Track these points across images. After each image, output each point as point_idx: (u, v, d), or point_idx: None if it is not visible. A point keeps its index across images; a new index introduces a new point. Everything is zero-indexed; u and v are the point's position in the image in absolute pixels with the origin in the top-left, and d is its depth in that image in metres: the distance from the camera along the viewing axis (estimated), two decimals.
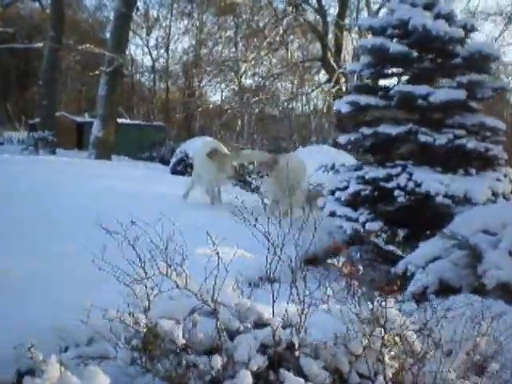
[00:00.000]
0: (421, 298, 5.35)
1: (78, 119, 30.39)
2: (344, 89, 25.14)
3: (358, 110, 7.70)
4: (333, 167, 8.55)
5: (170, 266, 3.11)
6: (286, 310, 3.28)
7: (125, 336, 3.10)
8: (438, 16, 7.28)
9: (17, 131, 35.24)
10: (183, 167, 17.70)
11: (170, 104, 39.80)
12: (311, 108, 36.42)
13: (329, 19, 28.13)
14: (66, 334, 3.60)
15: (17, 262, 4.64)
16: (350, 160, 11.76)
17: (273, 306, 3.31)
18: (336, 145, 22.48)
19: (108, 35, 40.77)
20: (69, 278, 4.41)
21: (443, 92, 6.95)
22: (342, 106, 7.75)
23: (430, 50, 7.56)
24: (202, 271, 3.19)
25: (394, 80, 8.31)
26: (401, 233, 7.29)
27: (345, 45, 27.95)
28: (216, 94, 45.46)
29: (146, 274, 3.21)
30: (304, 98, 36.15)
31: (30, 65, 44.31)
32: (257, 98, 32.85)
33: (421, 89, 6.99)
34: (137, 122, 32.98)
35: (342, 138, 7.98)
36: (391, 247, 8.05)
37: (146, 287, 3.25)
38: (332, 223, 7.24)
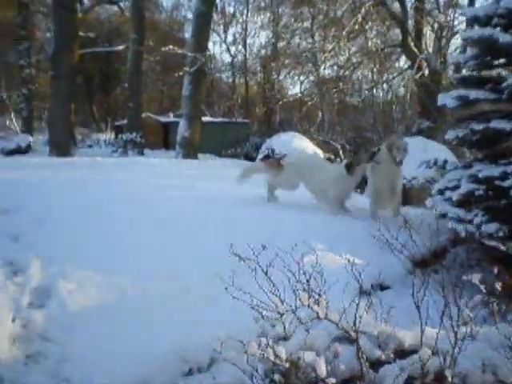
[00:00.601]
0: None
1: (163, 119, 30.86)
2: (426, 74, 24.43)
3: (466, 105, 7.32)
4: (435, 163, 8.17)
5: (310, 297, 2.96)
6: (436, 338, 3.06)
7: (263, 368, 2.98)
8: None
9: (103, 133, 36.31)
10: None
11: (249, 99, 39.89)
12: (393, 96, 35.68)
13: (408, 3, 27.40)
14: (188, 356, 3.51)
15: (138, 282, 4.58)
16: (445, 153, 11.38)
17: (421, 336, 3.09)
18: (420, 133, 22.02)
19: (187, 35, 41.49)
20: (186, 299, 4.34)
21: None
22: (448, 100, 7.38)
23: None
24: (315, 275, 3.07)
25: (501, 72, 7.83)
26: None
27: (425, 29, 27.16)
28: (295, 87, 45.44)
29: (282, 302, 3.09)
30: (385, 85, 35.47)
31: (112, 68, 45.56)
32: (337, 89, 32.39)
33: None
34: (219, 119, 33.18)
35: (450, 134, 7.61)
36: (499, 245, 7.67)
37: (282, 315, 3.13)
38: (435, 222, 6.96)
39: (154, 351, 3.44)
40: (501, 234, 6.57)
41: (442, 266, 5.83)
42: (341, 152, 21.74)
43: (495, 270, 4.53)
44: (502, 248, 7.60)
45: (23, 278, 4.47)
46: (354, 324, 2.98)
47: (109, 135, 34.21)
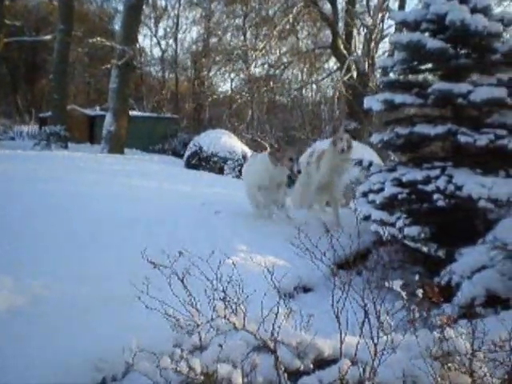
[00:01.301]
0: (468, 310, 5.06)
1: (89, 112, 30.12)
2: (355, 76, 24.81)
3: (391, 108, 7.40)
4: (360, 164, 8.21)
5: (226, 307, 2.84)
6: (356, 348, 2.98)
7: (178, 380, 2.84)
8: (474, 10, 6.90)
9: (27, 125, 35.12)
10: (197, 161, 17.53)
11: (179, 95, 39.56)
12: (322, 97, 36.09)
13: (339, 6, 27.75)
14: (102, 364, 3.35)
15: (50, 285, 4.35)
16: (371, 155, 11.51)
17: (341, 346, 3.01)
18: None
19: (116, 26, 40.73)
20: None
21: (484, 90, 6.59)
22: (374, 103, 7.42)
23: (466, 45, 7.21)
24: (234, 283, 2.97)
25: (427, 76, 7.97)
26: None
27: (355, 32, 27.57)
28: (226, 84, 45.36)
29: (198, 312, 2.95)
30: (314, 86, 35.84)
31: (38, 58, 44.20)
32: (267, 87, 32.49)
33: (461, 87, 6.64)
34: (148, 114, 32.74)
35: (375, 137, 7.66)
36: (421, 247, 7.80)
37: (198, 326, 2.99)
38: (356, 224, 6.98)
39: (66, 359, 3.26)
40: (423, 236, 6.66)
41: (365, 268, 5.86)
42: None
43: (417, 274, 4.56)
44: (424, 250, 7.74)
45: None
46: (272, 334, 2.87)
47: (32, 127, 33.12)
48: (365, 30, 28.04)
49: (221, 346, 2.70)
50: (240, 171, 15.57)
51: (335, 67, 29.82)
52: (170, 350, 2.90)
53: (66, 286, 4.35)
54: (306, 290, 6.21)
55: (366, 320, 3.00)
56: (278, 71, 31.92)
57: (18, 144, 25.26)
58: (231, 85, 39.65)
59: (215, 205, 8.07)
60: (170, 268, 3.07)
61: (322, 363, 3.09)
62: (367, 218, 7.01)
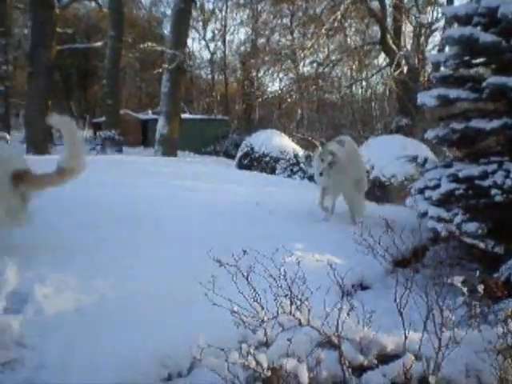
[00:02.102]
0: None
1: (142, 116, 30.67)
2: (405, 71, 24.55)
3: (445, 104, 7.34)
4: (415, 160, 8.15)
5: (292, 303, 2.91)
6: (420, 343, 3.01)
7: (244, 375, 2.92)
8: None
9: (81, 130, 35.97)
10: (249, 161, 17.61)
11: (229, 96, 39.82)
12: (372, 93, 35.83)
13: (387, 1, 27.49)
14: (167, 361, 3.44)
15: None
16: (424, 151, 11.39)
17: (404, 341, 3.04)
18: (398, 130, 22.10)
19: (165, 31, 41.28)
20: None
21: None
22: (427, 99, 7.38)
23: None
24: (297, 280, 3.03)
25: (480, 70, 7.86)
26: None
27: (404, 27, 27.28)
28: (274, 84, 45.43)
29: (262, 308, 3.03)
30: (364, 83, 35.58)
31: (90, 64, 45.12)
32: (316, 86, 32.43)
33: None
34: (199, 116, 33.08)
35: (429, 133, 7.61)
36: (479, 243, 7.71)
37: (263, 322, 3.07)
38: (415, 221, 6.94)
39: (132, 356, 3.37)
40: (480, 232, 6.59)
41: (422, 265, 5.83)
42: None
43: (475, 270, 4.53)
44: (481, 246, 7.65)
45: None
46: (337, 329, 2.92)
47: (87, 132, 33.94)
48: (414, 25, 27.73)
49: (289, 340, 2.77)
50: (292, 170, 15.61)
51: (384, 63, 29.59)
52: (236, 347, 2.97)
53: (132, 285, 4.46)
54: (364, 287, 6.21)
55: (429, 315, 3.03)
56: (326, 69, 31.80)
57: None
58: (280, 84, 39.74)
59: (269, 204, 8.15)
60: (235, 266, 3.16)
61: (385, 358, 3.13)
62: (424, 214, 6.98)
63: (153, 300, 4.17)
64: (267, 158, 17.14)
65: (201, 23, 40.83)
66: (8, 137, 24.19)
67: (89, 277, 4.52)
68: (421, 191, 7.21)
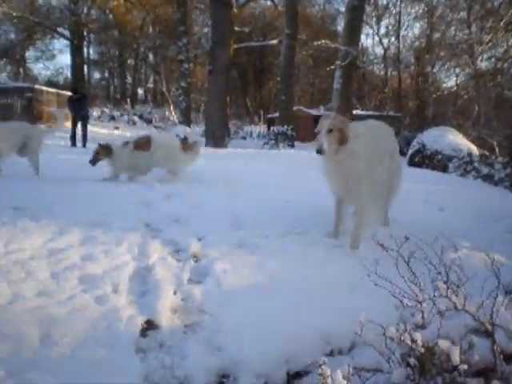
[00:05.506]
0: None
1: (314, 112, 31.22)
2: None
3: None
4: None
5: (448, 288, 3.09)
6: None
7: (400, 352, 3.13)
8: None
9: (256, 125, 37.39)
10: (420, 159, 17.40)
11: (402, 92, 39.28)
12: None
13: None
14: (330, 339, 3.71)
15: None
16: None
17: None
18: None
19: (339, 27, 41.57)
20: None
21: None
22: None
23: None
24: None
25: None
26: None
27: None
28: (450, 80, 44.00)
29: (421, 291, 3.24)
30: None
31: (265, 62, 46.68)
32: (494, 82, 31.01)
33: None
34: (370, 112, 32.98)
35: None
36: None
37: (421, 304, 3.27)
38: None
39: (298, 332, 3.67)
40: None
41: None
42: (497, 149, 20.86)
43: None
44: None
45: (184, 257, 5.00)
46: (491, 317, 3.05)
47: (261, 127, 35.20)
48: None
49: (444, 321, 2.95)
50: (465, 170, 15.16)
51: None
52: (395, 325, 3.19)
53: (303, 270, 4.82)
54: None
55: None
56: (505, 64, 30.32)
57: (249, 143, 27.06)
58: (456, 80, 38.47)
59: (439, 202, 8.19)
60: (397, 251, 3.38)
61: None
62: None
63: (320, 282, 4.50)
64: (439, 156, 16.83)
65: (374, 19, 40.65)
66: (188, 130, 25.90)
67: (262, 257, 4.98)
68: None
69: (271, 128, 25.69)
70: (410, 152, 18.03)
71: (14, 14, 39.65)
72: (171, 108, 37.18)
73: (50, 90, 30.12)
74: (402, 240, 3.55)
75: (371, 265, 3.55)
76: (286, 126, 23.83)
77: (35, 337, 3.34)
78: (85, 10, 45.25)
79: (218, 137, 21.51)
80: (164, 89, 39.73)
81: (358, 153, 5.39)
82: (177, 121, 32.94)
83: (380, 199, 6.17)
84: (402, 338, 2.97)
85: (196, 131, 29.36)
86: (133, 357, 3.29)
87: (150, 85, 62.55)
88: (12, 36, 51.48)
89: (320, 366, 2.70)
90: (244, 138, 31.77)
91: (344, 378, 2.72)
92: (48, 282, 4.15)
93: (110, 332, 3.48)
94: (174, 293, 4.18)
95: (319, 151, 5.15)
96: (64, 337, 3.37)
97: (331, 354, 3.65)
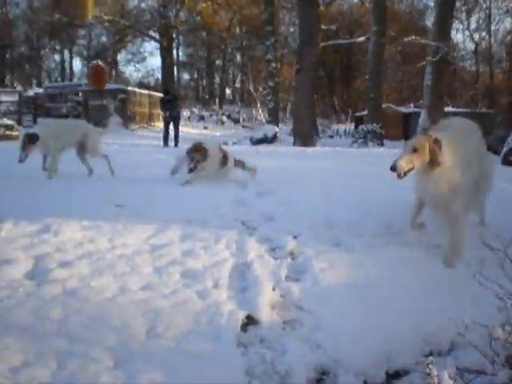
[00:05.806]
0: None
1: (404, 110, 30.73)
2: None
3: None
4: None
5: None
6: None
7: (505, 354, 3.07)
8: None
9: (343, 124, 37.15)
10: None
11: (494, 88, 37.98)
12: None
13: None
14: (429, 339, 3.66)
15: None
16: None
17: None
18: None
19: (428, 23, 40.66)
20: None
21: None
22: None
23: None
24: None
25: None
26: None
27: None
28: None
29: None
30: None
31: (352, 59, 46.29)
32: None
33: None
34: (462, 109, 32.07)
35: None
36: None
37: None
38: None
39: (397, 331, 3.65)
40: None
41: None
42: None
43: None
44: None
45: (280, 254, 5.07)
46: None
47: (348, 126, 34.94)
48: None
49: None
50: None
51: None
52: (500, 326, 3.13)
53: (394, 269, 4.79)
54: None
55: None
56: None
57: (337, 142, 26.94)
58: None
59: None
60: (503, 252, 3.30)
61: None
62: None
63: (420, 285, 4.44)
64: None
65: (464, 13, 39.53)
66: (276, 129, 26.08)
67: (359, 257, 4.98)
68: None
69: (359, 126, 25.44)
70: (504, 150, 17.40)
71: (106, 17, 41.23)
72: (258, 107, 37.52)
73: (142, 91, 31.09)
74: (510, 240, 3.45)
75: (476, 265, 3.49)
76: (374, 124, 23.55)
77: (141, 329, 3.47)
78: (174, 13, 46.31)
79: (306, 135, 21.52)
80: (251, 88, 40.11)
81: (450, 176, 4.91)
82: (264, 120, 33.21)
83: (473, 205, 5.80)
84: (509, 340, 2.91)
85: (283, 130, 29.49)
86: (235, 351, 3.37)
87: (238, 85, 63.49)
88: (104, 39, 53.77)
89: (427, 365, 2.69)
90: (331, 136, 31.66)
91: (450, 378, 2.70)
92: (151, 277, 4.31)
93: (212, 326, 3.58)
94: (273, 289, 4.25)
95: (393, 168, 4.67)
96: (168, 330, 3.49)
97: (431, 354, 3.60)
